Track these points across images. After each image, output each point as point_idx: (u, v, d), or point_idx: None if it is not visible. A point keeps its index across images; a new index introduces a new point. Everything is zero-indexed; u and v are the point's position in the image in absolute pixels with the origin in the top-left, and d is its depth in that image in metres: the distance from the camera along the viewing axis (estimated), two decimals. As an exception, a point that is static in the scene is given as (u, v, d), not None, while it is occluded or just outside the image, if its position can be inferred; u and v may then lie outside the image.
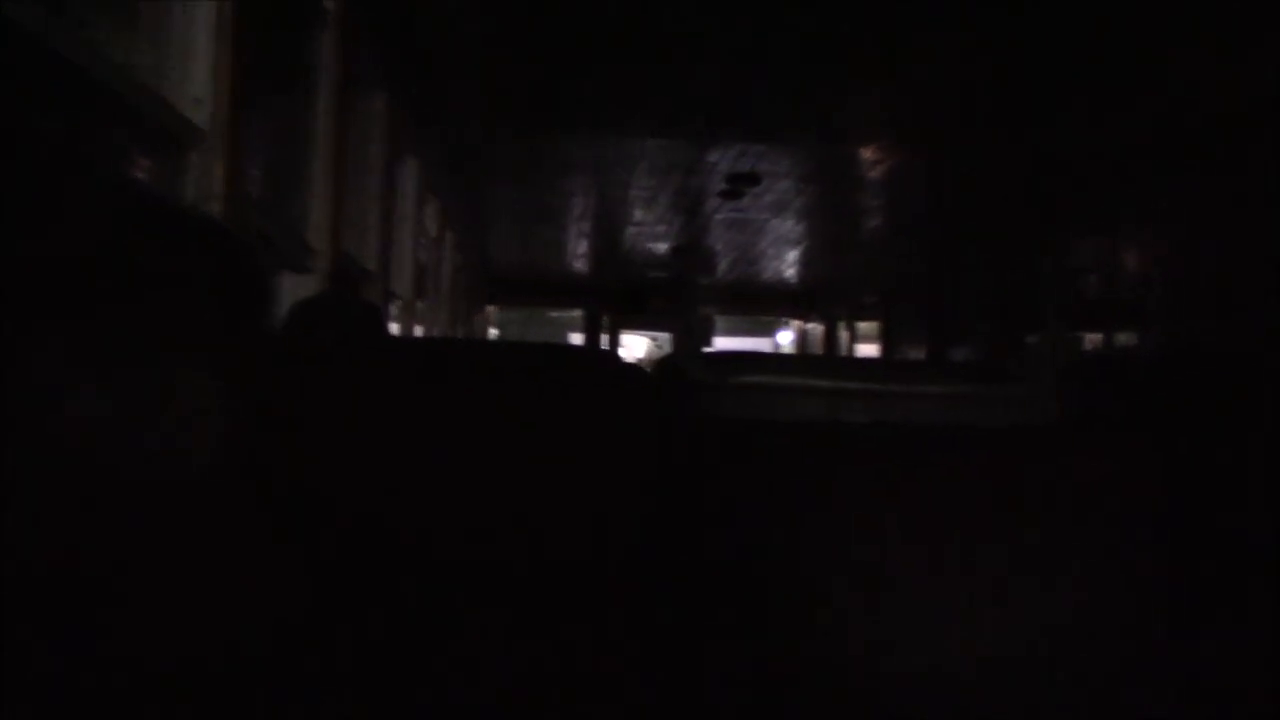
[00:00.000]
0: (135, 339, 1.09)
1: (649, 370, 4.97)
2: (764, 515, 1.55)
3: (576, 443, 1.49)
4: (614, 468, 1.50)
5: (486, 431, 1.45)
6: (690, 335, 15.69)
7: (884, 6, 5.91)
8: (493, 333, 18.44)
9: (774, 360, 9.06)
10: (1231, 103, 6.54)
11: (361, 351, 1.54)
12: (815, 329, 19.23)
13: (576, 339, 18.19)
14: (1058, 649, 1.52)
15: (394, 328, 7.66)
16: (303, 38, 5.31)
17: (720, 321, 17.73)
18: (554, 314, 19.59)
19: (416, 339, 7.41)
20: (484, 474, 1.42)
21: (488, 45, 6.96)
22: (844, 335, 18.35)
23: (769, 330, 20.44)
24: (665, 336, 17.76)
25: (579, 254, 15.38)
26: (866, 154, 9.19)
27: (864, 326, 17.88)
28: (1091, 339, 10.56)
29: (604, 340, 17.60)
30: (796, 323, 19.87)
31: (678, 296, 15.72)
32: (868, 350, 17.67)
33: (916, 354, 15.02)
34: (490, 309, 18.17)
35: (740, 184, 9.98)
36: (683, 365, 5.33)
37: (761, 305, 18.59)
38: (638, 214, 12.18)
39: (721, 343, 17.16)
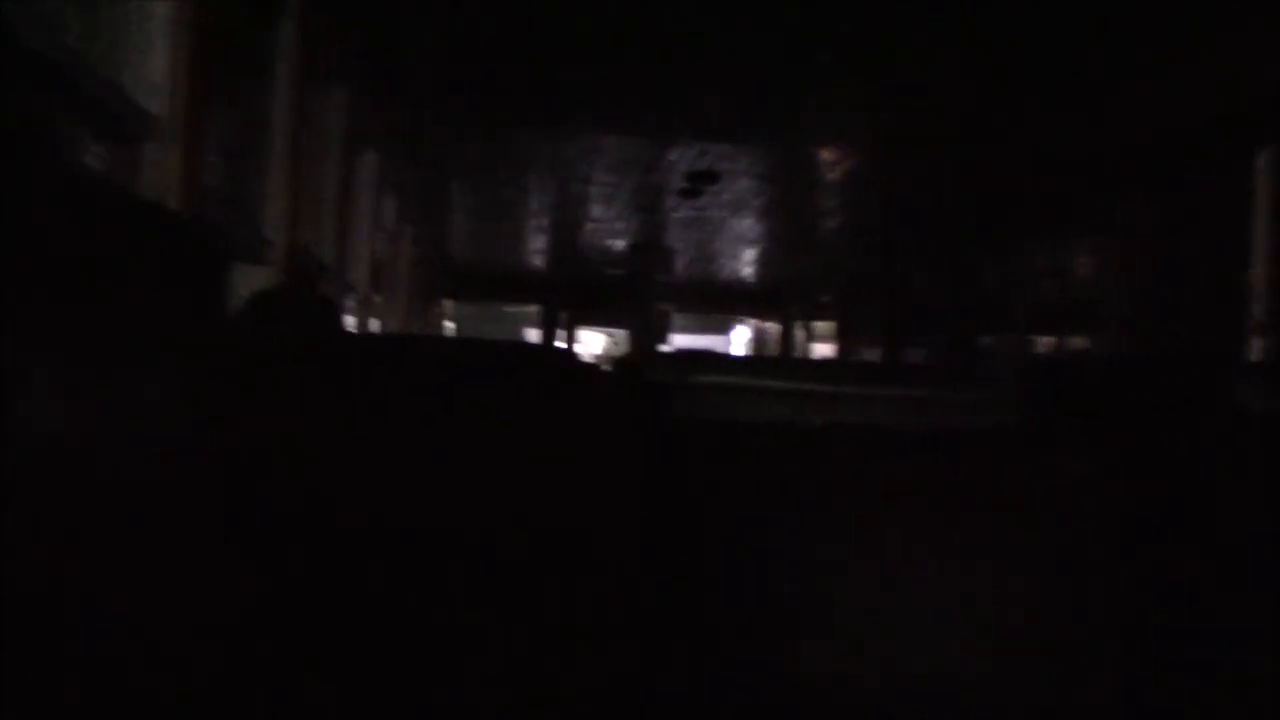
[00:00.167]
0: (87, 328, 1.08)
1: (605, 368, 4.96)
2: (717, 517, 1.55)
3: (531, 441, 1.49)
4: (569, 466, 1.49)
5: (440, 429, 1.44)
6: (647, 333, 15.69)
7: (844, 8, 5.94)
8: (449, 328, 18.35)
9: (731, 361, 9.09)
10: (1185, 116, 6.63)
11: (316, 346, 1.53)
12: (772, 328, 19.30)
13: (533, 335, 18.15)
14: (1014, 650, 1.54)
15: (350, 322, 7.61)
16: (263, 28, 5.26)
17: (677, 319, 17.75)
18: (511, 309, 19.53)
19: (372, 334, 7.36)
20: (436, 472, 1.42)
21: (449, 40, 6.93)
22: (801, 335, 18.42)
23: (725, 329, 20.49)
24: (622, 334, 17.76)
25: (537, 250, 15.34)
26: (826, 155, 9.23)
27: (821, 326, 17.96)
28: (1047, 343, 10.67)
29: (561, 337, 17.57)
30: (753, 322, 19.93)
31: (635, 294, 15.71)
32: (824, 350, 17.75)
33: (873, 355, 15.10)
34: (447, 304, 18.09)
35: (699, 182, 9.99)
36: (640, 364, 5.33)
37: (719, 304, 18.63)
38: (596, 211, 12.17)
39: (678, 341, 17.17)
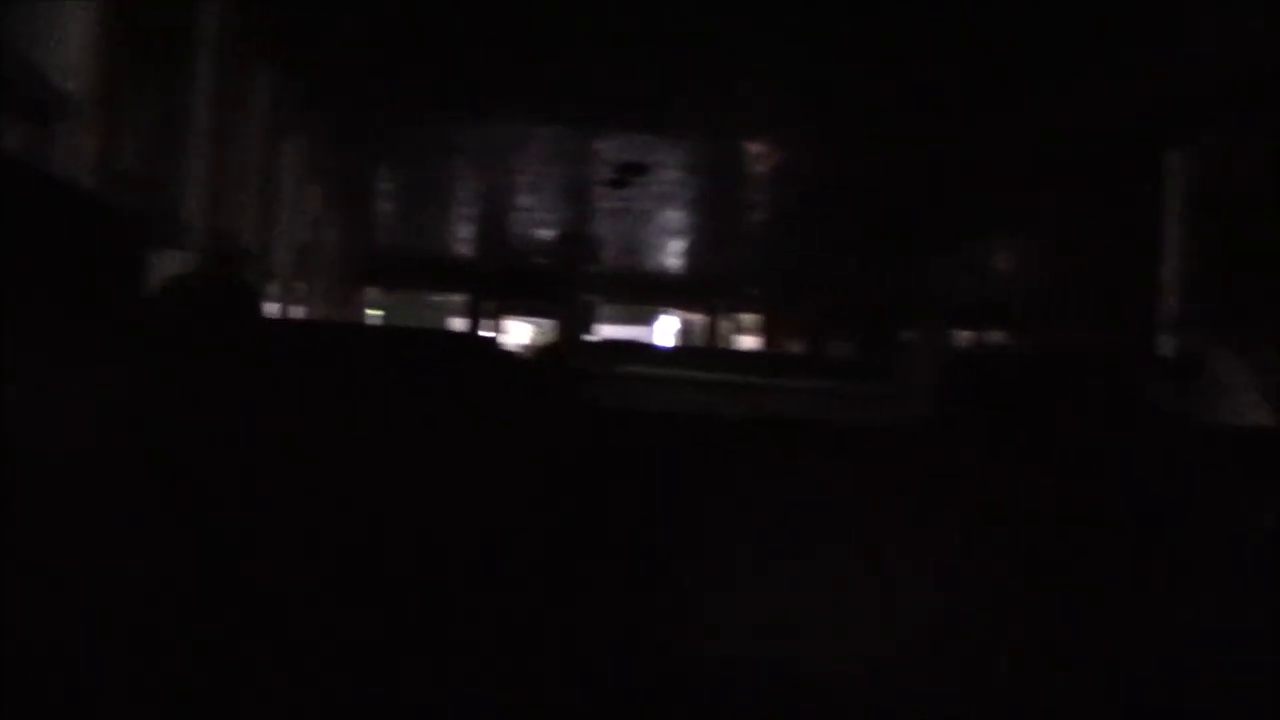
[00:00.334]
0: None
1: (529, 357, 4.95)
2: (638, 507, 1.55)
3: (450, 430, 1.48)
4: (489, 455, 1.49)
5: (358, 417, 1.43)
6: (573, 323, 15.66)
7: (773, 1, 5.97)
8: (374, 315, 18.18)
9: (656, 351, 9.10)
10: (1098, 117, 6.76)
11: (231, 332, 1.50)
12: (698, 320, 19.36)
13: (459, 323, 18.03)
14: (920, 645, 1.56)
15: (272, 308, 7.51)
16: (184, 8, 5.16)
17: (603, 310, 17.74)
18: (437, 297, 19.39)
19: (291, 321, 7.27)
20: (352, 461, 1.40)
21: (376, 24, 6.85)
22: (726, 327, 18.50)
23: (651, 320, 20.51)
24: (548, 323, 17.71)
25: (463, 238, 15.24)
26: (754, 148, 9.27)
27: (747, 319, 18.05)
28: (968, 338, 10.83)
29: (487, 325, 17.47)
30: (679, 313, 19.98)
31: (561, 284, 15.68)
32: (750, 343, 17.85)
33: (798, 348, 15.22)
34: (373, 291, 17.91)
35: (627, 173, 9.99)
36: (564, 354, 5.32)
37: (645, 295, 18.65)
38: (523, 200, 12.12)
39: (604, 331, 17.17)
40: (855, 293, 13.11)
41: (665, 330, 20.47)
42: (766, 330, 17.42)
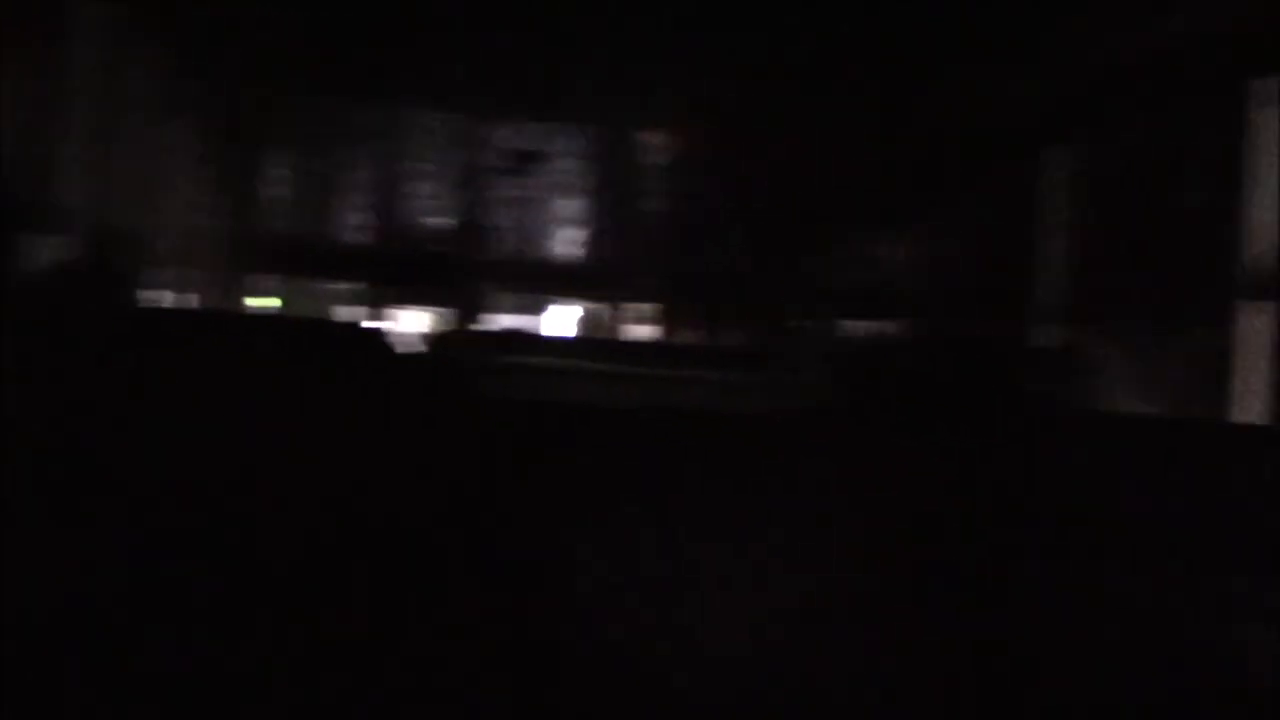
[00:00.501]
0: None
1: (417, 348, 4.90)
2: (524, 495, 1.55)
3: (330, 418, 1.46)
4: (372, 444, 1.47)
5: (233, 406, 1.41)
6: (467, 312, 15.53)
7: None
8: (266, 304, 17.80)
9: (549, 342, 9.08)
10: (979, 115, 6.91)
11: (101, 321, 1.47)
12: (593, 309, 19.31)
13: (351, 311, 17.74)
14: (805, 633, 1.58)
15: (158, 295, 7.33)
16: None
17: (498, 299, 17.60)
18: (329, 285, 19.04)
19: (169, 310, 7.11)
20: (228, 449, 1.38)
21: (267, 7, 6.72)
22: (622, 317, 18.49)
23: (545, 309, 20.41)
24: (442, 312, 17.52)
25: (357, 225, 15.01)
26: (650, 138, 9.29)
27: (643, 309, 18.05)
28: (859, 328, 10.96)
29: (380, 314, 17.22)
30: (574, 302, 19.91)
31: (456, 272, 15.52)
32: (645, 333, 17.86)
33: (692, 338, 15.27)
34: (263, 279, 17.53)
35: (523, 162, 9.93)
36: (455, 343, 5.27)
37: (540, 284, 18.53)
38: (419, 187, 11.98)
39: (500, 321, 17.03)
40: (748, 283, 13.21)
41: (560, 320, 20.39)
42: (661, 320, 17.45)
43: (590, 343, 12.88)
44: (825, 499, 1.65)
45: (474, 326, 13.99)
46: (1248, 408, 4.77)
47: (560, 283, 18.38)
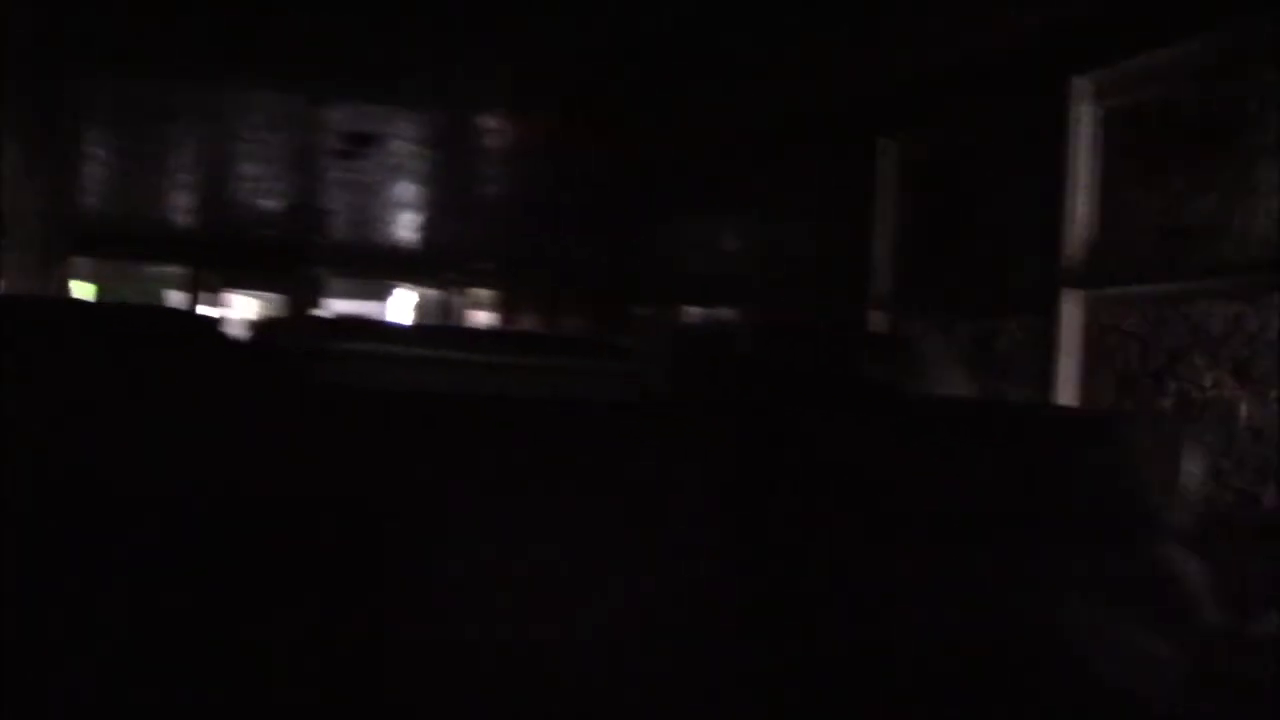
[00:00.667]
0: None
1: (248, 334, 4.77)
2: (356, 485, 1.51)
3: (155, 409, 1.39)
4: (198, 435, 1.41)
5: (49, 399, 1.33)
6: (300, 298, 15.20)
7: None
8: (86, 289, 17.12)
9: (385, 328, 8.94)
10: (817, 100, 7.05)
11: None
12: (431, 295, 19.14)
13: (178, 296, 17.20)
14: (638, 630, 1.58)
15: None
16: None
17: (333, 284, 17.29)
18: (156, 269, 18.42)
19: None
20: (44, 445, 1.30)
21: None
22: (461, 303, 18.36)
23: (383, 295, 20.15)
24: (275, 298, 17.12)
25: (183, 207, 14.51)
26: (488, 121, 9.21)
27: (482, 294, 17.95)
28: (698, 314, 11.09)
29: (210, 300, 16.73)
30: (413, 288, 19.70)
31: (288, 257, 15.17)
32: (484, 319, 17.77)
33: (533, 324, 15.25)
34: (82, 263, 16.84)
35: (356, 144, 9.74)
36: (289, 329, 5.14)
37: (377, 269, 18.27)
38: (248, 168, 11.64)
39: (334, 306, 16.74)
40: (587, 269, 13.24)
41: (399, 306, 20.15)
42: (501, 306, 17.39)
43: (428, 329, 12.75)
44: (662, 486, 1.65)
45: (309, 312, 13.70)
46: (1068, 393, 4.98)
47: (398, 268, 18.16)
